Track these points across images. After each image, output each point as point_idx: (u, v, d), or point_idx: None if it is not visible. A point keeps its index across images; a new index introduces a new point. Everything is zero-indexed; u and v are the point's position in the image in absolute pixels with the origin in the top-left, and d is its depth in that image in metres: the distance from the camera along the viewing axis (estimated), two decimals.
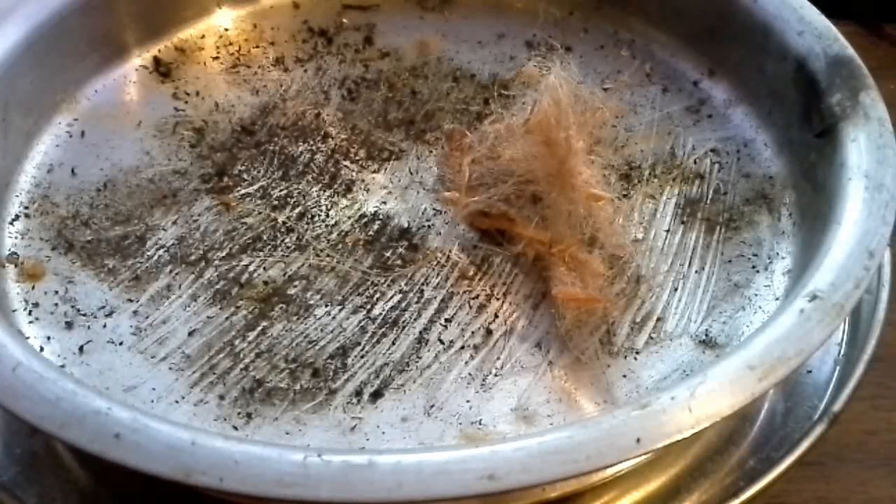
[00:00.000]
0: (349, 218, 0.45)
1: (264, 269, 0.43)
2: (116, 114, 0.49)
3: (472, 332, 0.41)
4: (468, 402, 0.38)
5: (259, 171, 0.47)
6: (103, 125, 0.49)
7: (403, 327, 0.41)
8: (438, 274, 0.43)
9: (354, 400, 0.38)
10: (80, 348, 0.40)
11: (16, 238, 0.44)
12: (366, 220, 0.45)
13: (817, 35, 0.45)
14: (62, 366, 0.39)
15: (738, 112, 0.49)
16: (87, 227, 0.44)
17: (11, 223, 0.44)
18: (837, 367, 0.43)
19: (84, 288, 0.42)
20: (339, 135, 0.49)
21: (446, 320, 0.41)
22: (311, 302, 0.42)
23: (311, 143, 0.48)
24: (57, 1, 0.47)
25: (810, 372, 0.43)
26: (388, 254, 0.44)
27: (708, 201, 0.46)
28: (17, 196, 0.45)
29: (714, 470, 0.40)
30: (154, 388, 0.39)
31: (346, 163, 0.47)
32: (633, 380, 0.39)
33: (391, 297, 0.42)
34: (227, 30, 0.53)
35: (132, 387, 0.39)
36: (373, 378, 0.39)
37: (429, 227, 0.45)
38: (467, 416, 0.38)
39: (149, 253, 0.43)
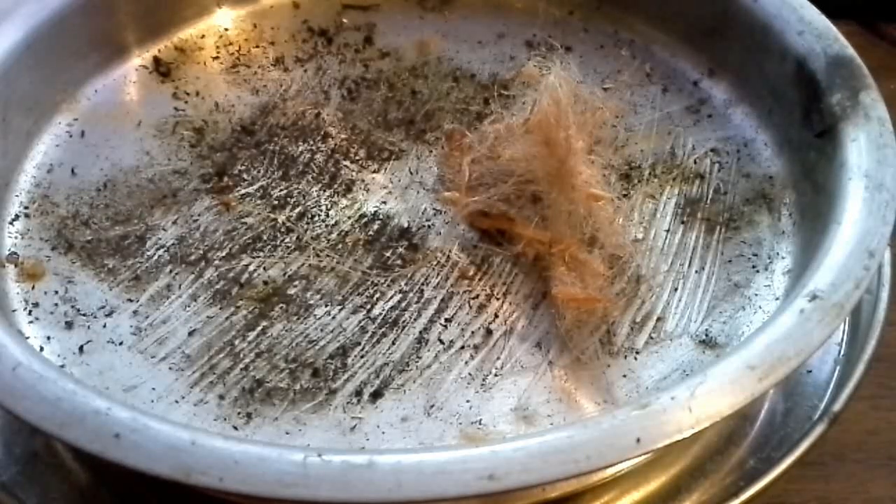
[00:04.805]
0: (349, 218, 0.45)
1: (264, 269, 0.43)
2: (116, 114, 0.49)
3: (472, 332, 0.41)
4: (468, 402, 0.38)
5: (259, 171, 0.47)
6: (103, 125, 0.49)
7: (403, 327, 0.41)
8: (438, 274, 0.43)
9: (354, 400, 0.38)
10: (80, 348, 0.40)
11: (16, 238, 0.44)
12: (366, 220, 0.45)
13: (817, 35, 0.45)
14: (62, 366, 0.39)
15: (738, 112, 0.49)
16: (87, 227, 0.44)
17: (11, 223, 0.44)
18: (837, 367, 0.43)
19: (84, 288, 0.42)
20: (339, 135, 0.49)
21: (446, 320, 0.41)
22: (311, 302, 0.42)
23: (311, 143, 0.48)
24: (57, 1, 0.47)
25: (810, 372, 0.43)
26: (388, 254, 0.44)
27: (708, 201, 0.46)
28: (17, 196, 0.45)
29: (714, 470, 0.40)
30: (154, 388, 0.39)
31: (346, 163, 0.47)
32: (633, 380, 0.39)
33: (391, 297, 0.42)
34: (227, 30, 0.53)
35: (132, 387, 0.39)
36: (373, 378, 0.39)
37: (429, 227, 0.45)
38: (467, 416, 0.38)
39: (149, 253, 0.43)
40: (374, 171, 0.47)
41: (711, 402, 0.32)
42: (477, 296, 0.42)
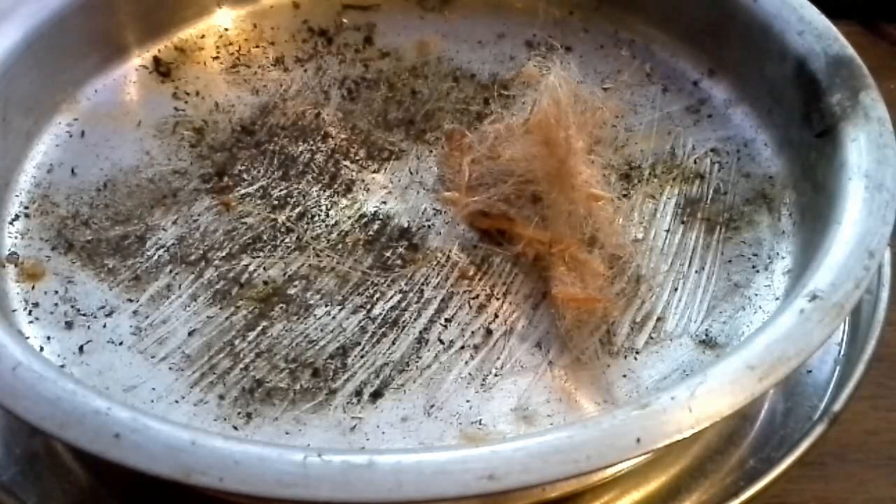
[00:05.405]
0: (349, 218, 0.45)
1: (264, 269, 0.43)
2: (116, 114, 0.49)
3: (472, 332, 0.41)
4: (468, 402, 0.38)
5: (259, 171, 0.47)
6: (103, 125, 0.49)
7: (403, 327, 0.41)
8: (438, 274, 0.43)
9: (354, 400, 0.38)
10: (80, 348, 0.40)
11: (16, 238, 0.44)
12: (366, 220, 0.45)
13: (817, 35, 0.45)
14: (62, 366, 0.39)
15: (738, 112, 0.49)
16: (87, 227, 0.44)
17: (11, 223, 0.44)
18: (837, 367, 0.43)
19: (84, 288, 0.42)
20: (339, 135, 0.49)
21: (446, 320, 0.41)
22: (311, 302, 0.42)
23: (311, 143, 0.48)
24: (57, 1, 0.47)
25: (810, 372, 0.43)
26: (388, 254, 0.44)
27: (708, 201, 0.46)
28: (17, 196, 0.45)
29: (714, 470, 0.40)
30: (154, 388, 0.39)
31: (346, 163, 0.47)
32: (633, 380, 0.39)
33: (391, 297, 0.42)
34: (227, 30, 0.53)
35: (132, 387, 0.39)
36: (373, 378, 0.39)
37: (429, 227, 0.45)
38: (467, 416, 0.38)
39: (149, 253, 0.43)
40: (374, 171, 0.47)
41: (711, 402, 0.32)
42: (477, 296, 0.42)
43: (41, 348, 0.40)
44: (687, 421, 0.32)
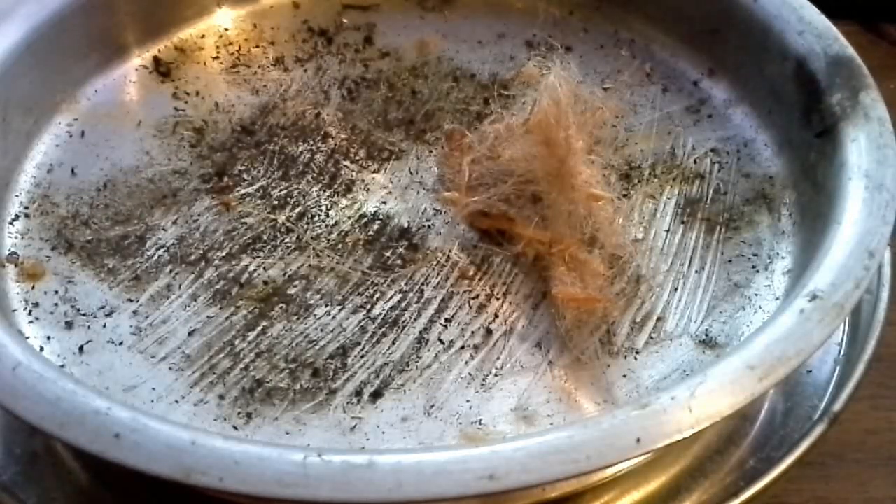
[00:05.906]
0: (349, 218, 0.45)
1: (264, 269, 0.43)
2: (116, 114, 0.49)
3: (472, 332, 0.41)
4: (468, 402, 0.38)
5: (259, 171, 0.47)
6: (103, 125, 0.49)
7: (403, 327, 0.41)
8: (438, 274, 0.43)
9: (354, 400, 0.38)
10: (80, 348, 0.40)
11: (16, 238, 0.44)
12: (366, 220, 0.45)
13: (817, 35, 0.45)
14: (62, 366, 0.39)
15: (738, 112, 0.49)
16: (87, 227, 0.44)
17: (11, 223, 0.44)
18: (837, 367, 0.43)
19: (84, 288, 0.42)
20: (339, 135, 0.49)
21: (446, 320, 0.41)
22: (311, 302, 0.42)
23: (311, 143, 0.48)
24: (57, 1, 0.47)
25: (810, 372, 0.43)
26: (388, 254, 0.44)
27: (708, 201, 0.46)
28: (17, 196, 0.45)
29: (714, 470, 0.40)
30: (154, 388, 0.39)
31: (346, 163, 0.47)
32: (633, 380, 0.39)
33: (391, 297, 0.42)
34: (227, 30, 0.53)
35: (132, 387, 0.39)
36: (373, 378, 0.39)
37: (429, 227, 0.45)
38: (467, 416, 0.38)
39: (149, 253, 0.43)
40: (374, 171, 0.47)
41: (711, 402, 0.32)
42: (477, 296, 0.42)
43: (41, 348, 0.40)
44: (687, 421, 0.32)
